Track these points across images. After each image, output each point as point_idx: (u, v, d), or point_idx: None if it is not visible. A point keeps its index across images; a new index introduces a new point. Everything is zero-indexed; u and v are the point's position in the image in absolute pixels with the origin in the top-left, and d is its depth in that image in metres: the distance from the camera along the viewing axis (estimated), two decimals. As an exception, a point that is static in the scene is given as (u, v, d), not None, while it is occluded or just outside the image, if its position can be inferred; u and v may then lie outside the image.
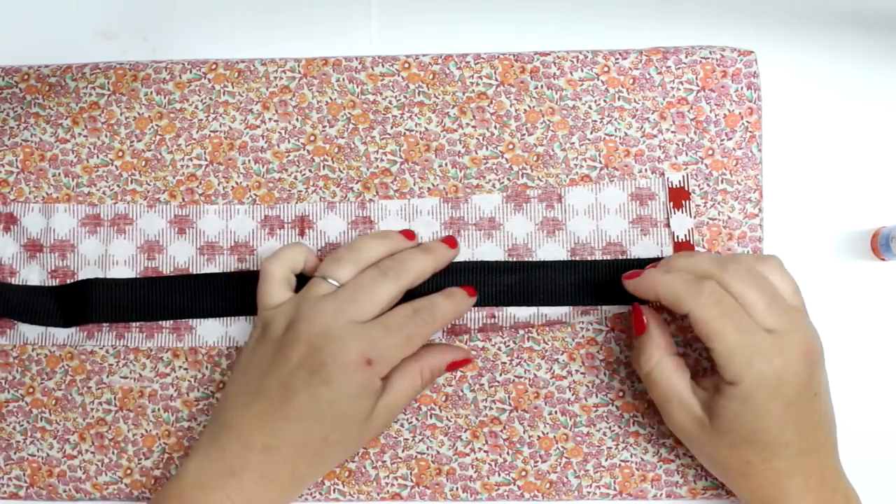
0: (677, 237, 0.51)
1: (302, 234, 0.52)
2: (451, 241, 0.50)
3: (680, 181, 0.51)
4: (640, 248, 0.51)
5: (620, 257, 0.51)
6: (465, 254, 0.51)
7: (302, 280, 0.49)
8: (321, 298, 0.46)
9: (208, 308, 0.51)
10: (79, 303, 0.51)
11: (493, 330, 0.51)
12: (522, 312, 0.51)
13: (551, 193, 0.51)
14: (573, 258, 0.51)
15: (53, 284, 0.52)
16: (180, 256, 0.52)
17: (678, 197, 0.51)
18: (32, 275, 0.52)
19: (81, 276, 0.52)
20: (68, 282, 0.52)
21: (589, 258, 0.51)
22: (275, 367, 0.45)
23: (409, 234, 0.50)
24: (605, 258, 0.51)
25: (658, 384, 0.46)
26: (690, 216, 0.51)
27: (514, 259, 0.51)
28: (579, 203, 0.51)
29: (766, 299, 0.43)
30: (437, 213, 0.52)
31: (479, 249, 0.51)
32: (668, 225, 0.51)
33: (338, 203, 0.52)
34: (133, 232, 0.52)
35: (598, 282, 0.50)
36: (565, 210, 0.51)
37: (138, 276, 0.52)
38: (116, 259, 0.52)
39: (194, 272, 0.52)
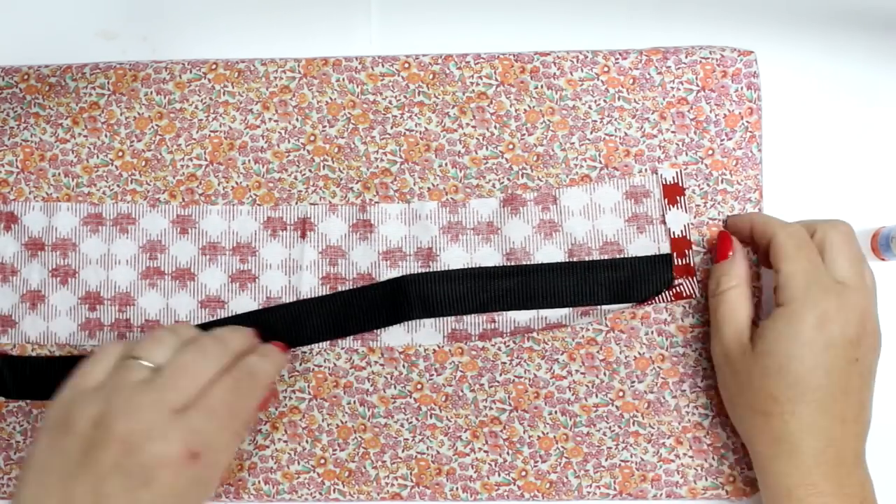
0: (673, 233, 0.51)
1: (303, 235, 0.52)
2: (272, 342, 0.48)
3: (674, 177, 0.51)
4: (637, 246, 0.51)
5: (617, 256, 0.51)
6: (463, 258, 0.51)
7: None
8: (136, 386, 0.41)
9: None
10: None
11: (493, 335, 0.51)
12: (522, 316, 0.51)
13: (546, 196, 0.51)
14: (571, 259, 0.51)
15: (55, 282, 0.52)
16: (182, 256, 0.52)
17: (672, 193, 0.51)
18: (33, 274, 0.52)
19: (82, 275, 0.52)
20: (69, 280, 0.52)
21: (586, 258, 0.51)
22: (83, 471, 0.39)
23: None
24: (602, 258, 0.51)
25: (728, 304, 0.47)
26: (685, 212, 0.51)
27: (513, 263, 0.51)
28: (574, 204, 0.51)
29: (852, 258, 0.46)
30: (435, 217, 0.52)
31: (477, 254, 0.51)
32: (663, 222, 0.51)
33: (339, 206, 0.52)
34: (135, 231, 0.52)
35: (596, 282, 0.50)
36: (561, 211, 0.51)
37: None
38: (118, 259, 0.52)
39: (195, 273, 0.52)
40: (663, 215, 0.51)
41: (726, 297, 0.48)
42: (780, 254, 0.46)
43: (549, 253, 0.51)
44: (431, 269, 0.51)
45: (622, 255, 0.51)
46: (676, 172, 0.51)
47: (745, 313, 0.47)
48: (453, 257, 0.51)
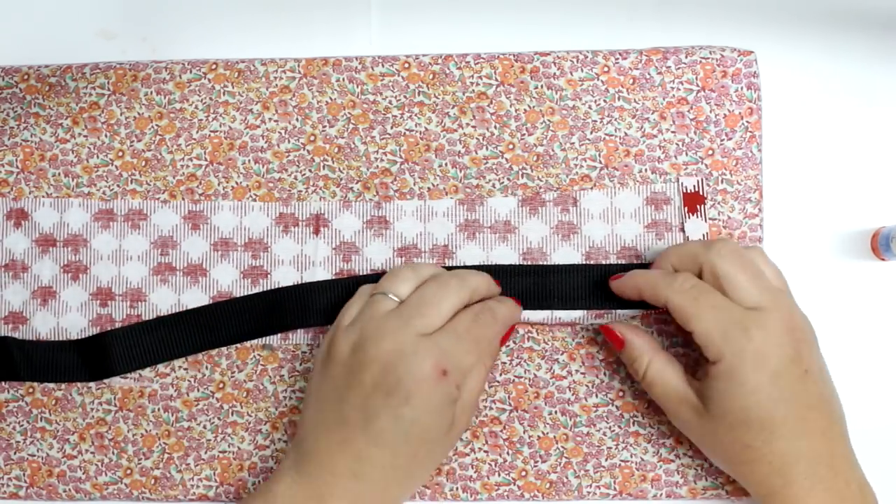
0: None
1: (317, 232, 0.52)
2: (497, 281, 0.50)
3: (695, 186, 0.51)
4: (655, 253, 0.51)
5: (635, 261, 0.51)
6: (479, 256, 0.51)
7: None
8: (386, 315, 0.45)
9: (226, 337, 0.51)
10: (100, 358, 0.51)
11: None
12: (536, 316, 0.51)
13: (566, 197, 0.51)
14: (588, 262, 0.51)
15: (67, 277, 0.52)
16: (194, 252, 0.52)
17: (693, 202, 0.51)
18: (44, 270, 0.52)
19: (94, 271, 0.52)
20: (81, 276, 0.52)
21: (604, 262, 0.51)
22: (350, 392, 0.44)
23: None
24: (619, 262, 0.51)
25: (654, 384, 0.47)
26: (705, 221, 0.51)
27: (529, 262, 0.51)
28: (594, 207, 0.51)
29: (750, 277, 0.45)
30: (452, 214, 0.52)
31: (493, 252, 0.51)
32: (682, 229, 0.51)
33: (353, 202, 0.52)
34: (147, 227, 0.52)
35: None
36: (580, 214, 0.51)
37: (155, 318, 0.52)
38: (130, 254, 0.52)
39: (207, 269, 0.52)
40: (682, 223, 0.51)
41: (648, 379, 0.47)
42: (683, 317, 0.45)
43: (566, 254, 0.51)
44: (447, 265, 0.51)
45: (640, 261, 0.51)
46: (698, 181, 0.51)
47: (675, 379, 0.46)
48: (469, 255, 0.51)
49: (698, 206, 0.51)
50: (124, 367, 0.51)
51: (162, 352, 0.51)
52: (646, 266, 0.50)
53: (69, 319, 0.52)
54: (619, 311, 0.50)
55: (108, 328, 0.52)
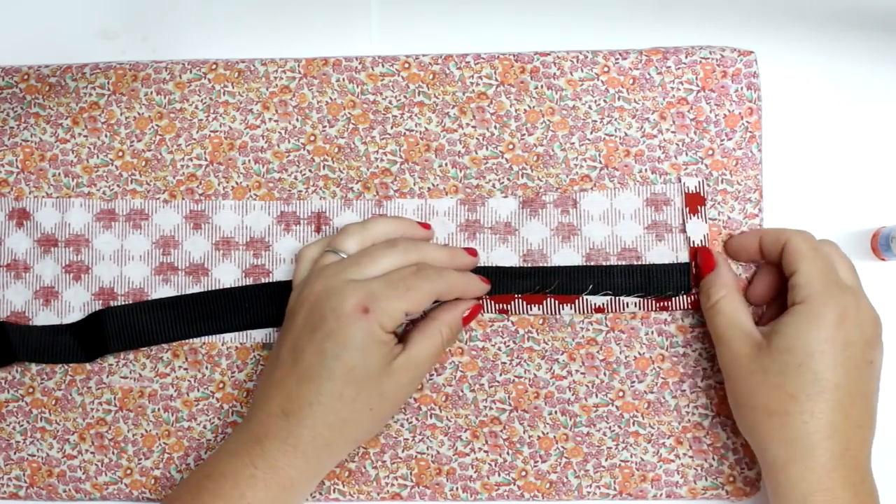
0: (693, 242, 0.50)
1: (318, 230, 0.52)
2: (472, 252, 0.51)
3: (696, 186, 0.51)
4: (655, 254, 0.51)
5: (635, 262, 0.51)
6: (480, 257, 0.51)
7: None
8: (327, 266, 0.47)
9: (223, 325, 0.52)
10: (96, 335, 0.51)
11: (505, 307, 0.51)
12: (536, 311, 0.51)
13: (566, 199, 0.51)
14: (588, 263, 0.51)
15: (69, 277, 0.52)
16: (195, 251, 0.52)
17: (694, 202, 0.51)
18: (46, 270, 0.52)
19: (96, 271, 0.52)
20: (82, 276, 0.52)
21: (604, 263, 0.51)
22: (285, 335, 0.46)
23: (424, 225, 0.51)
24: (620, 263, 0.51)
25: (723, 313, 0.47)
26: (705, 222, 0.51)
27: (530, 264, 0.51)
28: (595, 208, 0.51)
29: (851, 267, 0.48)
30: (453, 214, 0.52)
31: (493, 253, 0.51)
32: (683, 230, 0.51)
33: (354, 201, 0.52)
34: (148, 227, 0.52)
35: (612, 286, 0.50)
36: (580, 215, 0.51)
37: (153, 299, 0.52)
38: (132, 254, 0.52)
39: (209, 268, 0.52)
40: (684, 224, 0.51)
41: (720, 307, 0.48)
42: (796, 255, 0.46)
43: (567, 256, 0.51)
44: None
45: (640, 262, 0.51)
46: (699, 181, 0.51)
47: (745, 316, 0.47)
48: None
49: (699, 207, 0.51)
50: (119, 346, 0.51)
51: (157, 333, 0.51)
52: (647, 266, 0.50)
53: (71, 319, 0.52)
54: (623, 298, 0.50)
55: None
